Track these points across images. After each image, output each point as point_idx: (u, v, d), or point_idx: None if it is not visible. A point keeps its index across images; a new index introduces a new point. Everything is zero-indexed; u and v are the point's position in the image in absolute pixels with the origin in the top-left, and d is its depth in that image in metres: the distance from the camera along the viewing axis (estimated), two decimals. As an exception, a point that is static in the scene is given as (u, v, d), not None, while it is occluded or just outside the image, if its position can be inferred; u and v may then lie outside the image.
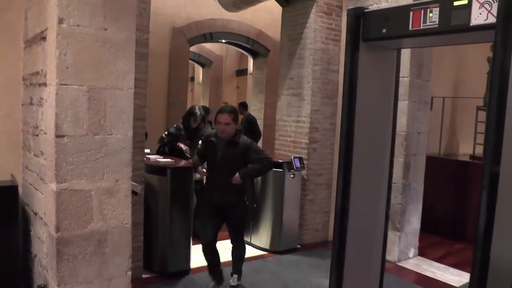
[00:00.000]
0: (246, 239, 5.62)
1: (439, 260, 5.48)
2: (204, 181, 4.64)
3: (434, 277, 4.89)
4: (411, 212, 5.41)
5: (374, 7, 2.16)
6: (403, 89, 5.06)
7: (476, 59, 7.18)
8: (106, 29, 2.80)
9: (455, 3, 1.74)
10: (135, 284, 3.18)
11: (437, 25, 1.81)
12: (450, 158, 7.13)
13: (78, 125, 2.73)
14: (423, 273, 5.03)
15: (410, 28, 1.94)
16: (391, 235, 5.08)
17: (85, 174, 2.78)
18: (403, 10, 1.97)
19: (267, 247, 5.40)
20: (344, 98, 2.25)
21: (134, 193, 3.08)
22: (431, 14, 1.83)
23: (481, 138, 6.73)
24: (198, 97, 13.69)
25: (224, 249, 4.30)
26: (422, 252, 5.64)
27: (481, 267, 1.56)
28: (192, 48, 8.86)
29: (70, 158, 2.72)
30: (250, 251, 5.38)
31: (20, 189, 3.47)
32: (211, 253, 4.06)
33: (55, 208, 2.70)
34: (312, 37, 5.51)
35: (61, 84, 2.65)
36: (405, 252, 5.42)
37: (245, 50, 9.13)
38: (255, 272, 4.67)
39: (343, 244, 2.30)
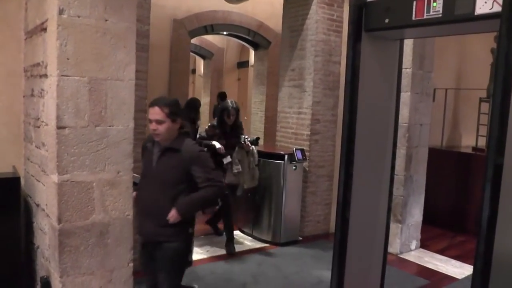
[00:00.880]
0: (248, 231, 5.64)
1: (441, 252, 5.48)
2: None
3: (436, 269, 4.89)
4: (413, 204, 5.40)
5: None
6: (405, 81, 5.03)
7: (479, 50, 7.14)
8: (106, 20, 2.78)
9: (459, -8, 1.72)
10: (138, 275, 3.18)
11: (440, 15, 1.80)
12: (453, 150, 7.11)
13: (79, 116, 2.73)
14: (425, 265, 5.03)
15: (413, 18, 1.92)
16: (393, 227, 5.08)
17: (86, 165, 2.78)
18: (406, 0, 1.95)
19: (269, 239, 5.40)
20: (346, 90, 2.24)
21: (135, 184, 3.08)
22: (434, 4, 1.81)
23: (483, 130, 6.72)
24: (199, 89, 13.66)
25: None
26: (424, 244, 5.64)
27: (484, 260, 1.55)
28: (193, 40, 8.81)
29: (71, 149, 2.71)
30: (251, 243, 5.40)
31: (22, 181, 3.47)
32: None
33: (57, 199, 2.70)
34: (313, 28, 5.47)
35: (62, 75, 2.64)
36: (407, 244, 5.42)
37: (246, 42, 9.08)
38: (256, 264, 4.68)
39: (345, 236, 2.30)
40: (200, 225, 5.38)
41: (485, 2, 1.61)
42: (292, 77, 5.78)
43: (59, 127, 2.66)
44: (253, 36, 8.45)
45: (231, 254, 4.94)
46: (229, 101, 5.14)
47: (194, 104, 6.34)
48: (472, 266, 1.65)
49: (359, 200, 2.33)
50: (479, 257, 1.58)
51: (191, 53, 9.39)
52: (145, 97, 4.18)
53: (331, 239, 5.25)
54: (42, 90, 2.98)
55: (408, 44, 4.95)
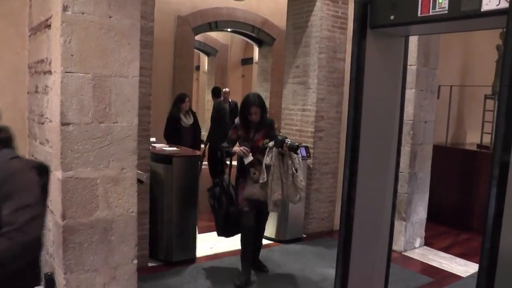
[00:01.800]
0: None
1: (445, 250, 5.46)
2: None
3: (440, 267, 4.88)
4: (417, 202, 5.39)
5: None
6: (410, 78, 5.01)
7: (484, 46, 7.10)
8: (110, 17, 2.77)
9: (466, -12, 1.70)
10: (141, 272, 3.19)
11: (446, 11, 1.78)
12: (457, 147, 7.08)
13: (83, 113, 2.73)
14: (429, 263, 5.01)
15: (419, 15, 1.90)
16: (397, 224, 5.06)
17: (90, 162, 2.78)
18: (412, -4, 1.93)
19: (273, 236, 5.40)
20: (351, 87, 2.23)
21: (139, 181, 3.08)
22: (440, 0, 1.80)
23: (488, 127, 6.68)
24: (203, 86, 13.68)
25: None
26: (428, 242, 5.62)
27: (489, 258, 1.54)
28: (197, 37, 8.83)
29: (75, 146, 2.72)
30: (255, 240, 5.40)
31: (26, 178, 3.47)
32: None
33: (61, 196, 2.70)
34: (318, 25, 5.45)
35: (66, 72, 2.64)
36: (411, 242, 5.41)
37: (250, 39, 9.09)
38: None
39: (349, 233, 2.29)
40: (202, 222, 5.38)
41: (492, -2, 1.60)
42: (296, 74, 5.77)
43: (63, 124, 2.67)
44: (257, 33, 8.45)
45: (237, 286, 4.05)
46: (250, 94, 4.20)
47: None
48: (476, 264, 1.64)
49: (363, 197, 2.32)
50: (484, 255, 1.56)
51: (195, 50, 9.41)
52: (149, 93, 4.18)
53: (335, 236, 5.25)
54: (46, 86, 2.98)
55: (413, 40, 4.92)
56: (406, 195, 5.23)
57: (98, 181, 2.83)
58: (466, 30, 2.62)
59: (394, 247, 4.81)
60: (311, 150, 5.49)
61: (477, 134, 7.10)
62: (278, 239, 5.36)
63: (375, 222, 2.51)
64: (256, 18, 8.28)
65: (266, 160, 3.92)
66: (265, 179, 3.89)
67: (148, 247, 4.36)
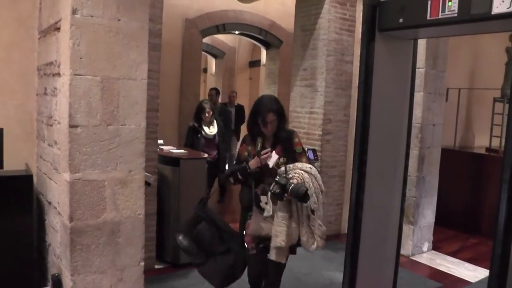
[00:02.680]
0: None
1: (454, 254, 5.42)
2: None
3: (448, 272, 4.83)
4: (425, 206, 5.35)
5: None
6: (418, 80, 4.96)
7: (493, 49, 7.05)
8: (119, 20, 2.79)
9: (476, -9, 1.69)
10: (148, 274, 3.19)
11: (456, 14, 1.77)
12: (466, 151, 7.03)
13: (92, 115, 2.74)
14: (437, 267, 4.98)
15: (428, 18, 1.89)
16: (405, 228, 5.03)
17: (98, 164, 2.79)
18: (421, -1, 1.92)
19: (280, 239, 5.36)
20: (360, 89, 2.22)
21: (147, 183, 3.08)
22: (450, 3, 1.79)
23: (497, 130, 6.64)
24: (210, 89, 13.67)
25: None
26: (436, 246, 5.58)
27: (500, 264, 1.52)
28: (205, 40, 8.83)
29: (83, 148, 2.73)
30: (262, 243, 5.38)
31: (34, 178, 3.50)
32: None
33: (69, 198, 2.71)
34: (326, 28, 5.44)
35: (74, 74, 2.66)
36: (419, 246, 5.37)
37: (257, 41, 9.09)
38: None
39: (357, 237, 2.28)
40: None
41: (503, 1, 1.58)
42: (304, 77, 5.76)
43: (72, 126, 2.68)
44: (264, 35, 8.45)
45: None
46: (265, 96, 3.16)
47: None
48: (485, 269, 1.62)
49: (371, 200, 2.31)
50: (495, 260, 1.55)
51: (202, 52, 9.41)
52: (157, 96, 4.19)
53: (342, 239, 5.22)
54: (55, 88, 3.00)
55: (421, 43, 4.90)
56: (414, 198, 5.19)
57: (105, 183, 2.84)
58: (476, 33, 2.61)
59: (402, 251, 4.78)
60: (318, 153, 5.48)
61: (485, 137, 7.05)
62: (285, 242, 5.32)
63: (383, 226, 2.49)
64: (263, 20, 8.28)
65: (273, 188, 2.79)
66: (270, 213, 2.89)
67: (155, 249, 4.37)
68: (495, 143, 6.78)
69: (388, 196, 2.48)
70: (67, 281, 2.82)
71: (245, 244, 3.04)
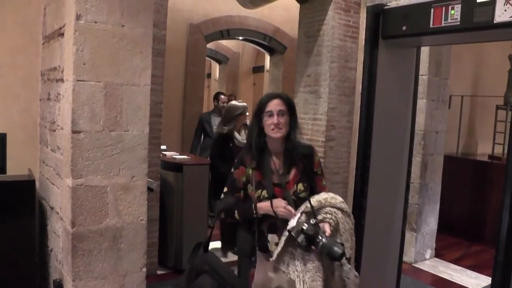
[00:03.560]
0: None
1: (456, 262, 5.39)
2: None
3: (451, 279, 4.81)
4: (428, 213, 5.34)
5: (393, 4, 2.10)
6: (421, 88, 4.98)
7: (496, 56, 7.05)
8: (123, 26, 2.79)
9: (478, 0, 1.69)
10: (150, 280, 3.18)
11: (459, 22, 1.77)
12: (469, 158, 7.01)
13: (95, 121, 2.74)
14: (439, 275, 4.95)
15: (431, 26, 1.90)
16: (408, 235, 5.01)
17: (101, 170, 2.79)
18: (424, 7, 1.93)
19: (282, 245, 5.35)
20: (363, 96, 2.22)
21: (149, 189, 3.08)
22: (452, 11, 1.79)
23: (500, 138, 6.62)
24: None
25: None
26: (439, 253, 5.56)
27: (503, 271, 1.51)
28: (209, 45, 8.85)
29: (86, 153, 2.73)
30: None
31: (37, 183, 3.51)
32: None
33: (71, 203, 2.71)
34: (329, 34, 5.45)
35: (78, 80, 2.66)
36: (422, 253, 5.35)
37: (261, 47, 9.10)
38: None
39: (360, 243, 2.27)
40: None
41: (505, 10, 1.59)
42: (307, 83, 5.76)
43: (74, 132, 2.68)
44: (268, 41, 8.47)
45: None
46: (269, 94, 2.44)
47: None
48: (488, 277, 1.61)
49: (374, 207, 2.31)
50: (498, 268, 1.54)
51: (206, 58, 9.43)
52: (161, 101, 4.20)
53: (344, 246, 5.21)
54: (58, 94, 3.01)
55: (424, 50, 4.90)
56: (417, 205, 5.18)
57: (108, 189, 2.83)
58: (478, 41, 2.61)
59: (404, 258, 4.76)
60: (321, 160, 5.46)
61: (488, 145, 7.03)
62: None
63: (386, 232, 2.49)
64: (267, 26, 8.30)
65: (290, 224, 2.09)
66: (273, 258, 2.15)
67: (157, 254, 4.36)
68: (498, 150, 6.75)
69: (391, 203, 2.47)
70: (68, 286, 2.82)
71: None
